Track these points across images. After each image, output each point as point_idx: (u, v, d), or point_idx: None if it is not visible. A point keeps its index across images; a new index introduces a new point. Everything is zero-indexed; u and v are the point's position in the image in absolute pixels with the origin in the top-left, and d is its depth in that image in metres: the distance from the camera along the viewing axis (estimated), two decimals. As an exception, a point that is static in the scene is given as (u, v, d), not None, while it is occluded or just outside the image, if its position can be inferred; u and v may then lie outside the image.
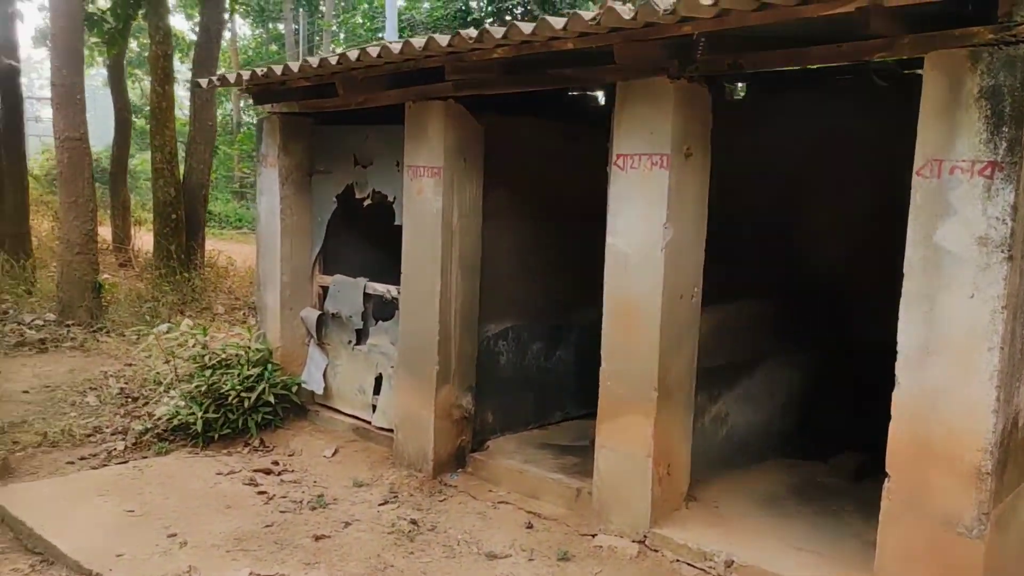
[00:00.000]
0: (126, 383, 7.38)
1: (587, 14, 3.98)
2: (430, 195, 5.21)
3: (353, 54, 4.91)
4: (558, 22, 4.02)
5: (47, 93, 12.60)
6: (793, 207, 6.12)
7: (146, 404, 6.74)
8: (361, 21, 30.06)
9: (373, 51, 4.79)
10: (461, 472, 5.17)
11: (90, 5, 13.46)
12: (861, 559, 3.64)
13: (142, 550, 3.93)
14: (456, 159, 5.20)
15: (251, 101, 6.48)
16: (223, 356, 6.05)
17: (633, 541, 4.12)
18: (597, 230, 4.68)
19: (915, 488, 3.24)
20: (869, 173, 5.66)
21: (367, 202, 6.07)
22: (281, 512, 4.49)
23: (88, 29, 12.65)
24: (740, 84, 7.32)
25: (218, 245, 15.83)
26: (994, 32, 3.06)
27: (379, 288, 5.90)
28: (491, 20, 20.39)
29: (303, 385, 6.19)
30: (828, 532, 4.09)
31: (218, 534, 4.15)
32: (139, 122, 24.49)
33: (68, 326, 9.34)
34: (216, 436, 5.71)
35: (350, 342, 6.12)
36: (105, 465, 5.42)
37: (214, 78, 6.23)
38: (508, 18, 20.22)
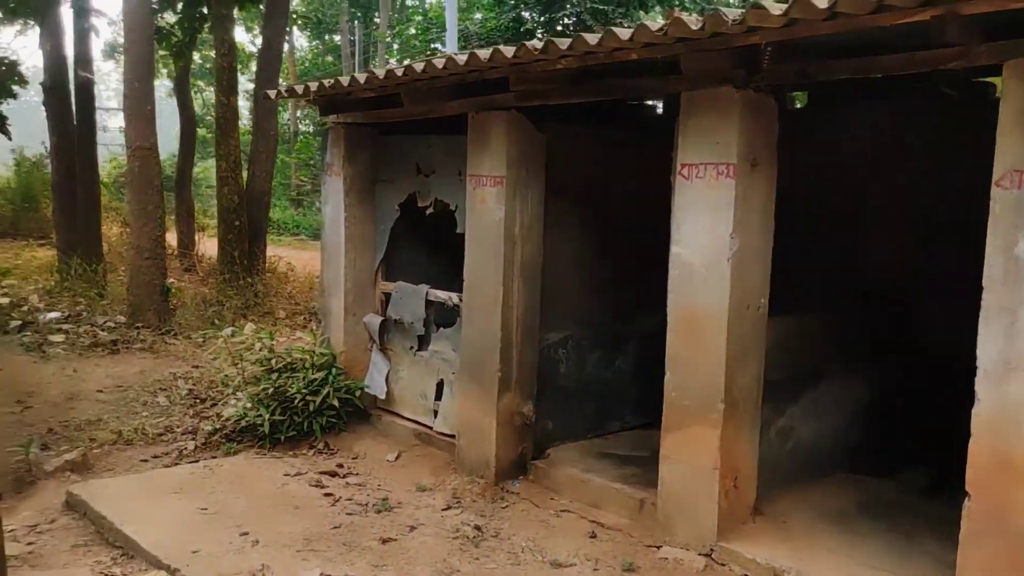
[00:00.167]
0: (194, 384, 7.61)
1: (653, 24, 4.00)
2: (492, 204, 5.27)
3: (419, 66, 5.01)
4: (624, 33, 4.05)
5: (113, 104, 13.09)
6: (856, 217, 6.02)
7: (214, 405, 6.95)
8: (415, 32, 30.50)
9: (439, 63, 4.89)
10: (522, 480, 5.21)
11: (159, 19, 13.92)
12: (936, 580, 3.56)
13: (216, 547, 4.06)
14: (518, 168, 5.25)
15: (315, 112, 6.63)
16: (289, 360, 6.20)
17: (699, 554, 4.09)
18: (656, 239, 4.69)
19: (997, 508, 3.17)
20: (936, 181, 5.54)
21: (429, 211, 6.17)
22: (348, 514, 4.59)
23: (157, 43, 13.12)
24: (799, 93, 7.24)
25: (277, 251, 16.18)
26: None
27: (441, 295, 5.99)
28: (543, 31, 20.52)
29: (366, 389, 6.31)
30: (901, 552, 4.01)
31: (288, 534, 4.26)
32: (200, 131, 25.23)
33: (138, 328, 9.67)
34: (282, 438, 5.85)
35: (412, 348, 6.22)
36: (177, 464, 5.60)
37: (283, 89, 6.41)
38: (559, 28, 20.32)
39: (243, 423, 5.93)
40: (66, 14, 12.59)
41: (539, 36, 20.20)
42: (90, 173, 12.62)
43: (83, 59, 12.31)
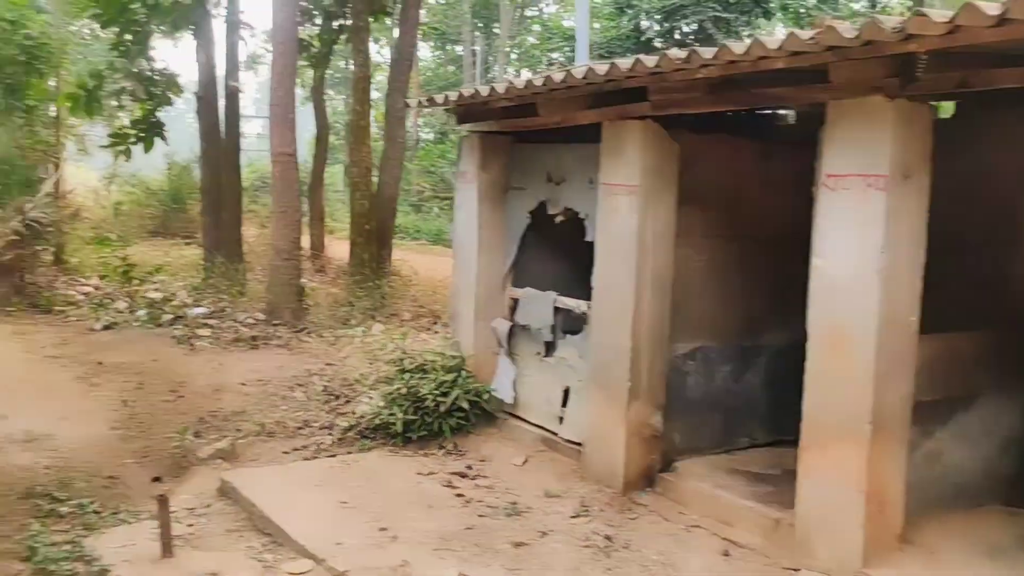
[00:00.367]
0: (328, 381, 7.97)
1: (804, 33, 3.91)
2: (625, 213, 5.28)
3: (558, 75, 5.08)
4: (772, 41, 3.98)
5: (249, 111, 13.85)
6: (1009, 234, 5.63)
7: (347, 402, 7.26)
8: (535, 42, 30.84)
9: (578, 72, 4.95)
10: (650, 491, 5.17)
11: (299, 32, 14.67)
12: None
13: (358, 540, 4.25)
14: (652, 177, 5.24)
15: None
16: (421, 361, 6.41)
17: (842, 580, 3.95)
18: (788, 251, 4.55)
19: None
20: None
21: (559, 218, 6.24)
22: (479, 516, 4.70)
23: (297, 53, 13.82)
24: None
25: (400, 254, 16.75)
26: None
27: (568, 302, 6.03)
28: (663, 40, 20.34)
29: (493, 393, 6.44)
30: (1064, 592, 3.74)
31: (424, 531, 4.41)
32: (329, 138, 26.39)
33: (275, 325, 10.21)
34: (414, 437, 6.04)
35: (539, 354, 6.30)
36: (316, 457, 5.90)
37: (423, 99, 6.64)
38: (679, 36, 20.07)
39: (377, 421, 6.17)
40: (217, 28, 13.49)
41: (658, 44, 20.05)
42: (234, 177, 13.44)
43: (233, 70, 13.13)
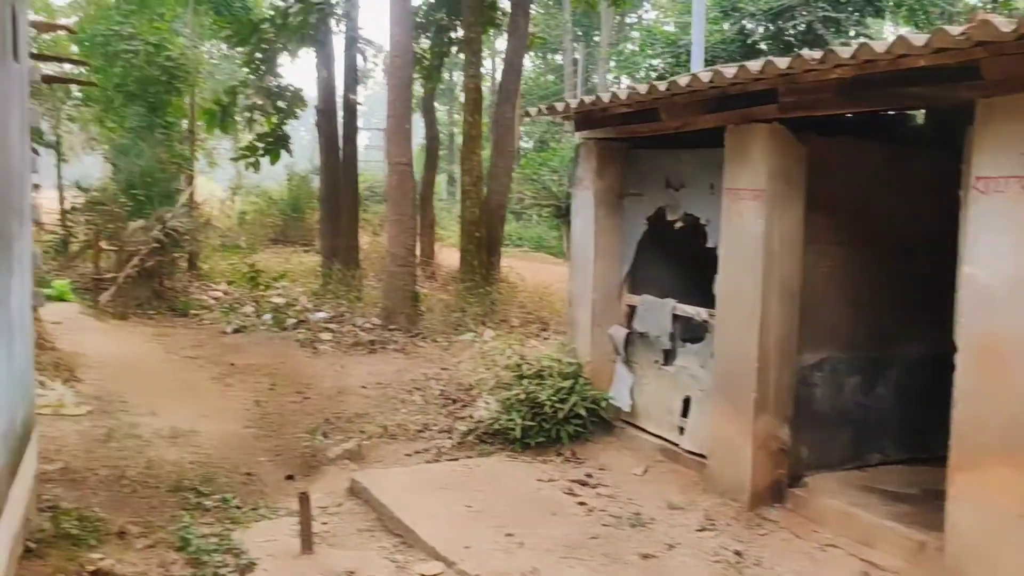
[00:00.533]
0: (444, 386, 8.13)
1: (954, 29, 3.71)
2: (750, 218, 5.15)
3: (683, 79, 5.02)
4: (918, 39, 3.79)
5: (358, 123, 14.26)
6: None
7: (464, 406, 7.38)
8: (635, 48, 30.58)
9: (704, 76, 4.87)
10: (779, 507, 5.01)
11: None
12: None
13: (485, 544, 4.31)
14: (778, 182, 5.09)
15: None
16: (538, 367, 6.44)
17: (999, 611, 3.70)
18: (923, 258, 4.30)
19: None
20: None
21: (678, 224, 6.15)
22: (603, 525, 4.68)
23: (410, 66, 14.21)
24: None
25: (505, 262, 16.94)
26: None
27: (688, 310, 5.93)
28: (768, 43, 19.77)
29: (610, 401, 6.40)
30: None
31: (549, 538, 4.43)
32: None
33: (391, 330, 10.52)
34: (532, 443, 6.08)
35: (657, 362, 6.22)
36: (437, 460, 6.02)
37: (543, 107, 6.69)
38: (786, 39, 19.43)
39: (495, 426, 6.24)
40: (337, 43, 14.05)
41: (763, 47, 19.52)
42: (352, 187, 13.94)
43: (351, 84, 13.64)
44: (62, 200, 14.39)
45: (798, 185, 5.18)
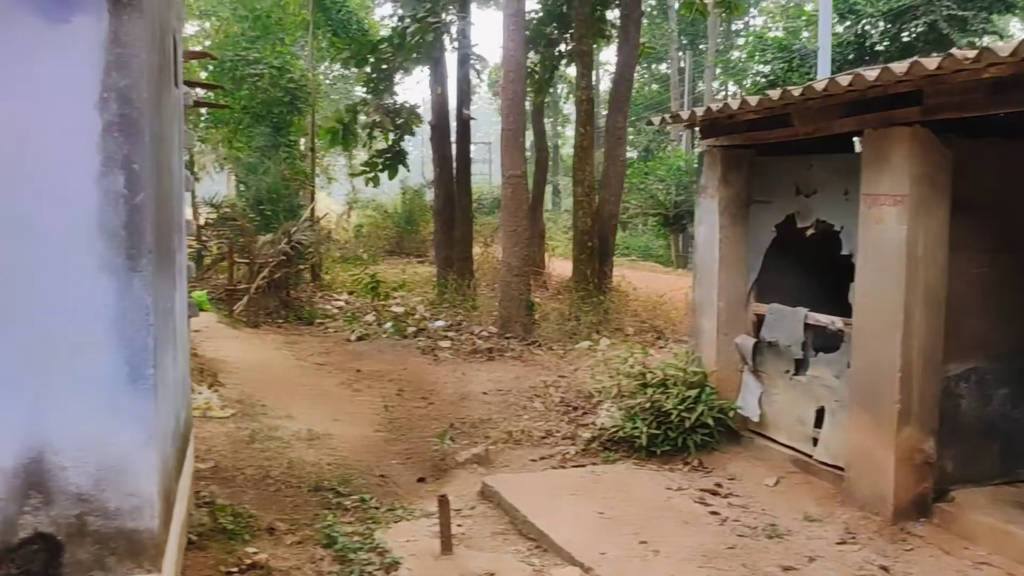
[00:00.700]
0: (564, 393, 8.19)
1: None
2: (892, 225, 4.97)
3: (820, 84, 4.91)
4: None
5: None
6: None
7: (584, 414, 7.42)
8: (742, 56, 29.95)
9: (843, 79, 4.75)
10: (924, 522, 4.80)
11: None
12: None
13: (620, 551, 4.32)
14: (922, 187, 4.90)
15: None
16: (662, 376, 6.41)
17: None
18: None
19: None
20: None
21: (810, 231, 6.00)
22: (738, 536, 4.60)
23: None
24: None
25: (616, 271, 16.88)
26: None
27: (821, 319, 5.77)
28: (887, 45, 18.94)
29: (738, 410, 6.29)
30: None
31: (684, 547, 4.40)
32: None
33: (507, 339, 10.68)
34: (657, 452, 6.05)
35: (787, 372, 6.07)
36: (563, 466, 6.07)
37: (667, 116, 6.68)
38: (906, 39, 18.55)
39: (620, 434, 6.24)
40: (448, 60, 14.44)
41: (880, 49, 18.70)
42: (466, 199, 14.26)
43: (464, 99, 13.97)
44: (196, 216, 15.36)
45: (943, 189, 4.97)
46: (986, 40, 17.99)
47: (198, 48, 17.60)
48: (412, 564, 4.20)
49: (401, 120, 13.48)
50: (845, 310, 5.48)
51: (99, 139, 2.96)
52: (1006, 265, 5.26)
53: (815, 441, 5.74)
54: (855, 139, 5.97)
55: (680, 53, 34.16)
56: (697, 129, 6.65)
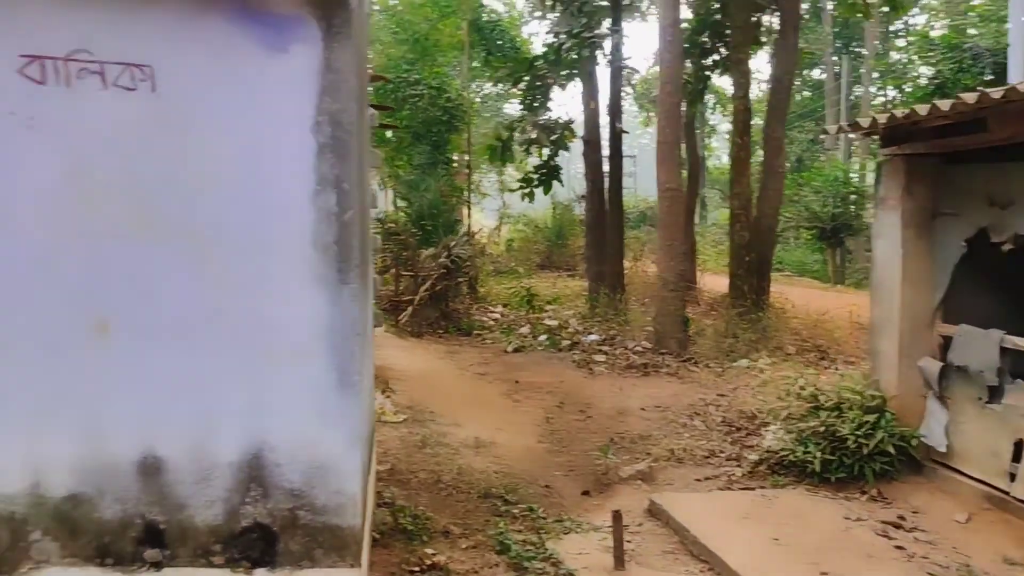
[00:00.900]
0: (725, 412, 7.99)
1: None
2: (1109, 240, 4.52)
3: (1023, 86, 4.55)
4: None
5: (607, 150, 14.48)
6: None
7: (748, 435, 7.20)
8: (900, 57, 28.13)
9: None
10: None
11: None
12: None
13: (799, 580, 4.17)
14: None
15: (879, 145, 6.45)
16: (836, 399, 6.12)
17: None
18: None
19: None
20: None
21: (1006, 247, 5.55)
22: (928, 574, 4.32)
23: (673, 91, 14.26)
24: None
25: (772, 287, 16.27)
26: None
27: (1020, 343, 5.32)
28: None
29: (922, 439, 5.90)
30: None
31: (870, 581, 4.18)
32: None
33: (662, 354, 10.54)
34: (832, 478, 5.77)
35: (980, 399, 5.63)
36: (730, 488, 5.92)
37: (844, 124, 6.40)
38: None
39: (791, 457, 6.01)
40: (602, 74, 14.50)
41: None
42: (618, 213, 14.23)
43: (617, 113, 13.98)
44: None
45: None
46: None
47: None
48: (586, 577, 4.24)
49: (556, 136, 13.66)
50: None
51: (314, 160, 3.23)
52: None
53: (1012, 477, 5.29)
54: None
55: (835, 57, 32.50)
56: (876, 137, 6.31)
